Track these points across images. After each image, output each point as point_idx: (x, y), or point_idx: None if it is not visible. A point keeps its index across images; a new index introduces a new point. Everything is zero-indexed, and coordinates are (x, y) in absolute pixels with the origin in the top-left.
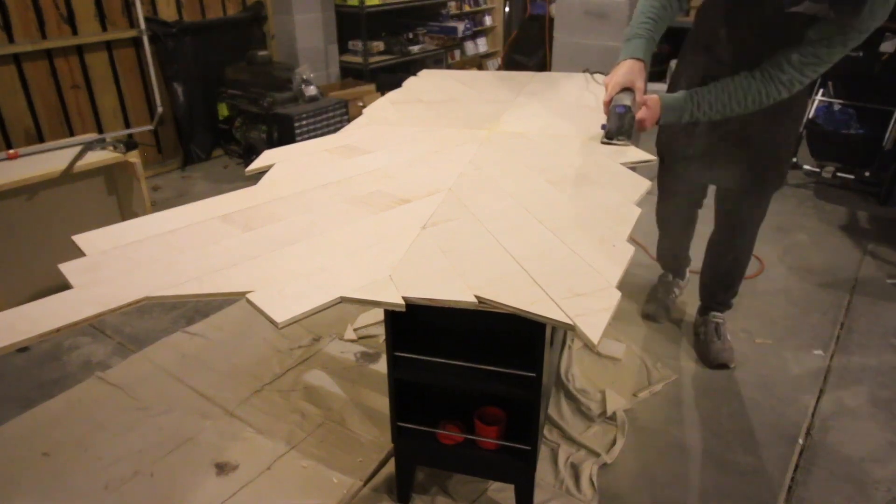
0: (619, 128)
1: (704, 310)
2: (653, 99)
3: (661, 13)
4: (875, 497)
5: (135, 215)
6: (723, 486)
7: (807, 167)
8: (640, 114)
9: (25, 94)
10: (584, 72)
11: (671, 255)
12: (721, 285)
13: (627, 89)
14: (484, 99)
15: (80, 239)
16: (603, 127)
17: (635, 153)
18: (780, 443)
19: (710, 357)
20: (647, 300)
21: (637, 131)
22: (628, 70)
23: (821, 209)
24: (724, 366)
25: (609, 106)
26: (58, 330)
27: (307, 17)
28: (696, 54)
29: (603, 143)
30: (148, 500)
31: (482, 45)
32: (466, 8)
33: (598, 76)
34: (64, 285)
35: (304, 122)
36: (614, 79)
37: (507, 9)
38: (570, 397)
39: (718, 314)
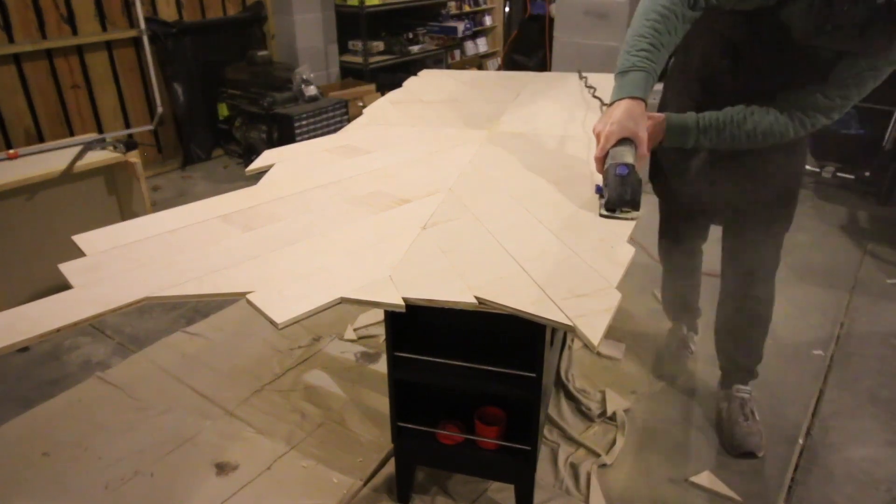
0: (622, 195)
1: (726, 381)
2: (659, 118)
3: (662, 39)
4: (875, 497)
5: (135, 215)
6: None
7: (807, 167)
8: (648, 132)
9: (25, 94)
10: (579, 74)
11: (679, 301)
12: (741, 349)
13: (626, 140)
14: (484, 99)
15: (80, 239)
16: (598, 191)
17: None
18: (780, 443)
19: (735, 442)
20: (662, 359)
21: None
22: (626, 114)
23: (821, 209)
24: (750, 454)
25: (603, 164)
26: (58, 330)
27: (307, 17)
28: (689, 82)
29: (602, 216)
30: (148, 500)
31: (482, 45)
32: (466, 8)
33: (589, 78)
34: (64, 285)
35: (304, 122)
36: (608, 126)
37: (507, 9)
38: (570, 397)
39: (743, 387)
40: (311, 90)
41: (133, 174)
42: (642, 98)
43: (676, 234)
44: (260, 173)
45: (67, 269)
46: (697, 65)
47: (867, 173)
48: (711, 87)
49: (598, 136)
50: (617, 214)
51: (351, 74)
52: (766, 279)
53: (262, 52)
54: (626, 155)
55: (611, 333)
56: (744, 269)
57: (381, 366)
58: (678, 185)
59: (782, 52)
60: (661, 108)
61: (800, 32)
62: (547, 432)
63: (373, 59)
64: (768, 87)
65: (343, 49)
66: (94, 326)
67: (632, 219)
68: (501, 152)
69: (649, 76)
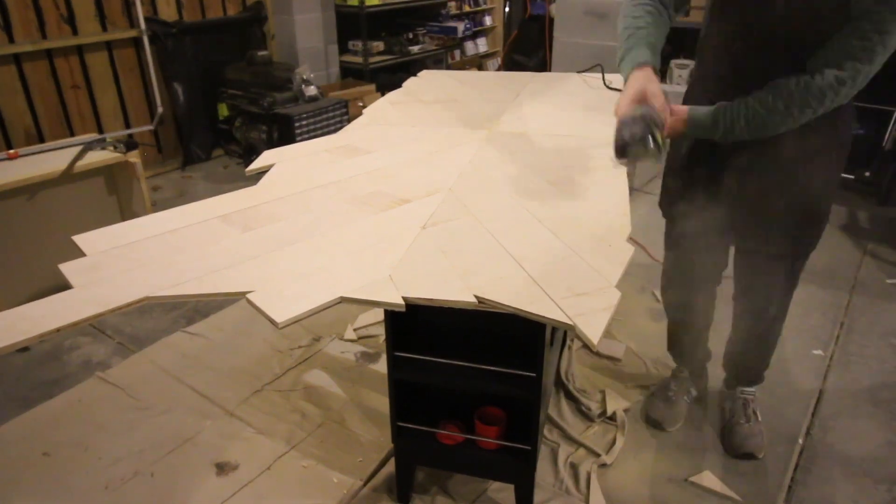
0: (633, 136)
1: (731, 383)
2: (681, 108)
3: (651, 19)
4: (875, 497)
5: (135, 215)
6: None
7: None
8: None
9: (25, 94)
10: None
11: (687, 346)
12: (753, 359)
13: (641, 105)
14: (484, 99)
15: (80, 239)
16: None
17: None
18: (780, 443)
19: (735, 443)
20: (654, 398)
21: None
22: (635, 81)
23: None
24: (750, 455)
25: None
26: (58, 330)
27: (307, 17)
28: (708, 83)
29: (616, 160)
30: (148, 500)
31: (482, 45)
32: (466, 8)
33: (587, 76)
34: (64, 285)
35: (304, 122)
36: (623, 99)
37: (507, 9)
38: (570, 397)
39: (748, 389)
40: (311, 90)
41: (133, 174)
42: (646, 62)
43: (689, 274)
44: (260, 173)
45: (67, 269)
46: (718, 51)
47: (867, 173)
48: (733, 84)
49: (617, 114)
50: (629, 157)
51: (351, 74)
52: (785, 300)
53: (262, 52)
54: (639, 109)
55: (610, 333)
56: (760, 292)
57: (381, 366)
58: (686, 192)
59: (809, 11)
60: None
61: None
62: (547, 432)
63: (373, 60)
64: (798, 53)
65: (343, 49)
66: (94, 326)
67: (646, 157)
68: (501, 152)
69: (645, 48)
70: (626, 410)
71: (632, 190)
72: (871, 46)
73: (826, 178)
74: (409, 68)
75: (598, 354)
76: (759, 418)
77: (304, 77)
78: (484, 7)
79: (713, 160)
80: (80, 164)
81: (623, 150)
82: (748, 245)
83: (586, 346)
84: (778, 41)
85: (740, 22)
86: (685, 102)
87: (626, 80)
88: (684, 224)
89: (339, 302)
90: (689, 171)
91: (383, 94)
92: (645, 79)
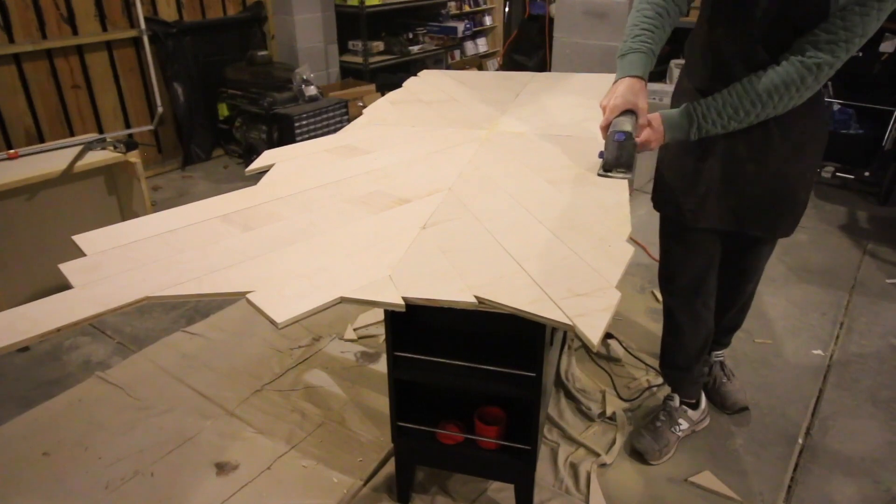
0: (618, 158)
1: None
2: (655, 117)
3: (658, 21)
4: (875, 497)
5: (135, 215)
6: None
7: None
8: (645, 135)
9: (25, 94)
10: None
11: (688, 360)
12: (727, 332)
13: (628, 112)
14: (484, 99)
15: (80, 239)
16: (600, 155)
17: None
18: (780, 443)
19: (729, 401)
20: (641, 428)
21: (640, 152)
22: (627, 89)
23: (821, 209)
24: (745, 408)
25: (607, 132)
26: (58, 330)
27: (307, 17)
28: (696, 81)
29: (600, 175)
30: (148, 500)
31: (482, 45)
32: (466, 8)
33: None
34: (64, 285)
35: (304, 122)
36: (612, 101)
37: (507, 9)
38: (570, 397)
39: (720, 351)
40: (311, 90)
41: (133, 174)
42: (641, 76)
43: (691, 256)
44: (260, 173)
45: (67, 268)
46: (700, 67)
47: (867, 173)
48: (720, 63)
49: (603, 109)
50: (612, 174)
51: (351, 74)
52: (758, 275)
53: (262, 52)
54: (626, 124)
55: (611, 333)
56: (737, 269)
57: (381, 366)
58: (687, 196)
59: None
60: (675, 96)
61: None
62: (547, 432)
63: (373, 59)
64: (777, 44)
65: (343, 49)
66: (94, 326)
67: (624, 177)
68: (501, 152)
69: (647, 56)
70: (625, 410)
71: (632, 190)
72: (836, 41)
73: (804, 168)
74: (409, 68)
75: (597, 354)
76: (734, 373)
77: (304, 77)
78: (484, 7)
79: (700, 151)
80: (80, 164)
81: (608, 168)
82: (734, 229)
83: (586, 346)
84: (758, 34)
85: (726, 16)
86: (675, 95)
87: (617, 78)
88: (679, 217)
89: (339, 302)
90: (681, 162)
91: (383, 94)
92: (633, 93)
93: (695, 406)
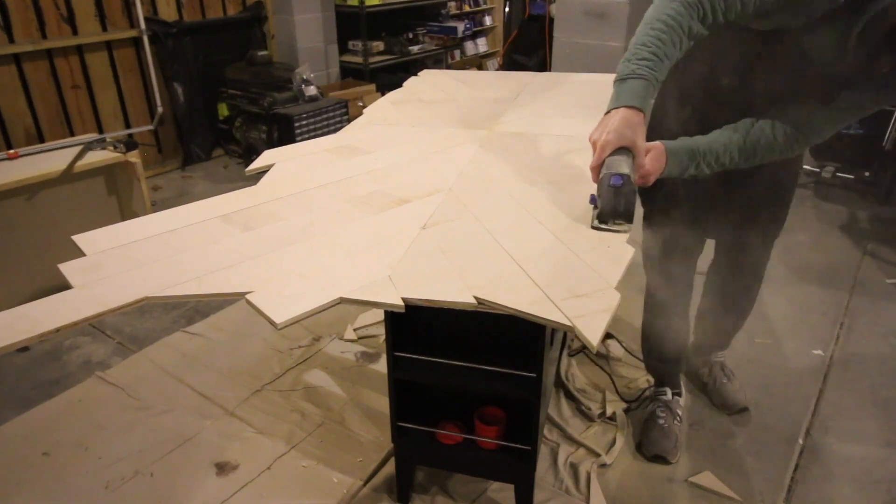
0: (615, 207)
1: (703, 351)
2: (658, 147)
3: (665, 49)
4: (875, 497)
5: (135, 215)
6: None
7: (807, 167)
8: (648, 166)
9: (25, 94)
10: None
11: (670, 348)
12: (727, 336)
13: (623, 149)
14: (484, 99)
15: (80, 239)
16: (592, 201)
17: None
18: (780, 443)
19: (729, 401)
20: (646, 434)
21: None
22: (623, 123)
23: (821, 209)
24: (745, 408)
25: (598, 173)
26: (58, 330)
27: (307, 17)
28: (688, 94)
29: (594, 227)
30: (148, 500)
31: (482, 45)
32: (466, 8)
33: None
34: (64, 285)
35: (304, 122)
36: (604, 136)
37: (507, 9)
38: (570, 397)
39: (720, 353)
40: (311, 90)
41: (133, 174)
42: (640, 108)
43: (668, 262)
44: (260, 173)
45: (67, 268)
46: (698, 78)
47: (867, 173)
48: (713, 102)
49: (594, 145)
50: (609, 227)
51: (351, 74)
52: (758, 278)
53: (262, 52)
54: (622, 165)
55: (610, 333)
56: (736, 270)
57: (381, 366)
58: (671, 203)
59: (796, 74)
60: (653, 120)
61: (823, 59)
62: (547, 432)
63: (373, 59)
64: (773, 103)
65: (343, 49)
66: (94, 326)
67: (624, 231)
68: (501, 152)
69: (649, 85)
70: (625, 410)
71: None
72: (840, 119)
73: (788, 176)
74: (409, 68)
75: (597, 355)
76: (734, 373)
77: (304, 77)
78: (484, 7)
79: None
80: (80, 164)
81: (604, 220)
82: (726, 235)
83: (585, 346)
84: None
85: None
86: (656, 109)
87: (611, 107)
88: (664, 218)
89: (339, 302)
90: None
91: (383, 94)
92: (629, 127)
93: (680, 392)
